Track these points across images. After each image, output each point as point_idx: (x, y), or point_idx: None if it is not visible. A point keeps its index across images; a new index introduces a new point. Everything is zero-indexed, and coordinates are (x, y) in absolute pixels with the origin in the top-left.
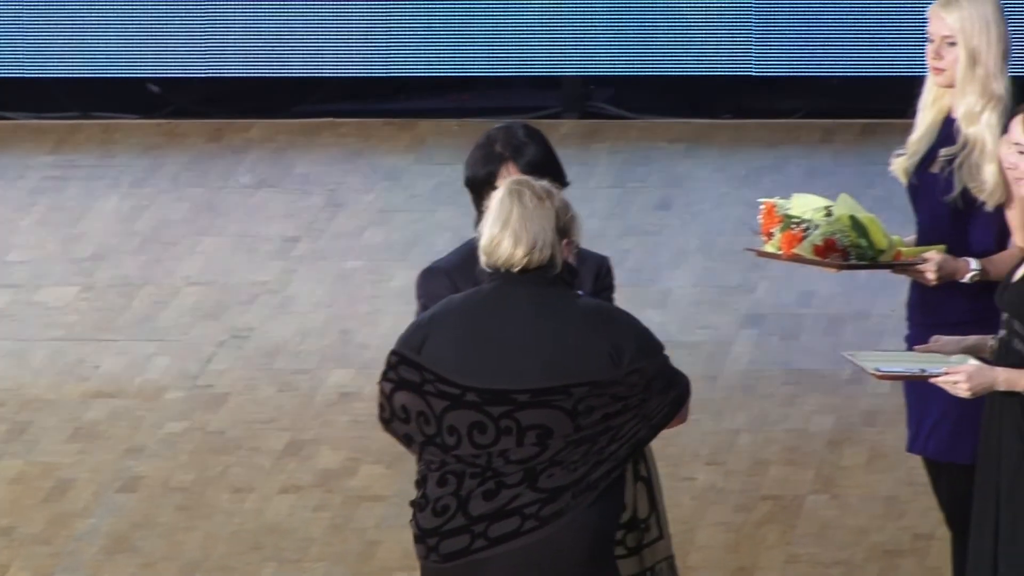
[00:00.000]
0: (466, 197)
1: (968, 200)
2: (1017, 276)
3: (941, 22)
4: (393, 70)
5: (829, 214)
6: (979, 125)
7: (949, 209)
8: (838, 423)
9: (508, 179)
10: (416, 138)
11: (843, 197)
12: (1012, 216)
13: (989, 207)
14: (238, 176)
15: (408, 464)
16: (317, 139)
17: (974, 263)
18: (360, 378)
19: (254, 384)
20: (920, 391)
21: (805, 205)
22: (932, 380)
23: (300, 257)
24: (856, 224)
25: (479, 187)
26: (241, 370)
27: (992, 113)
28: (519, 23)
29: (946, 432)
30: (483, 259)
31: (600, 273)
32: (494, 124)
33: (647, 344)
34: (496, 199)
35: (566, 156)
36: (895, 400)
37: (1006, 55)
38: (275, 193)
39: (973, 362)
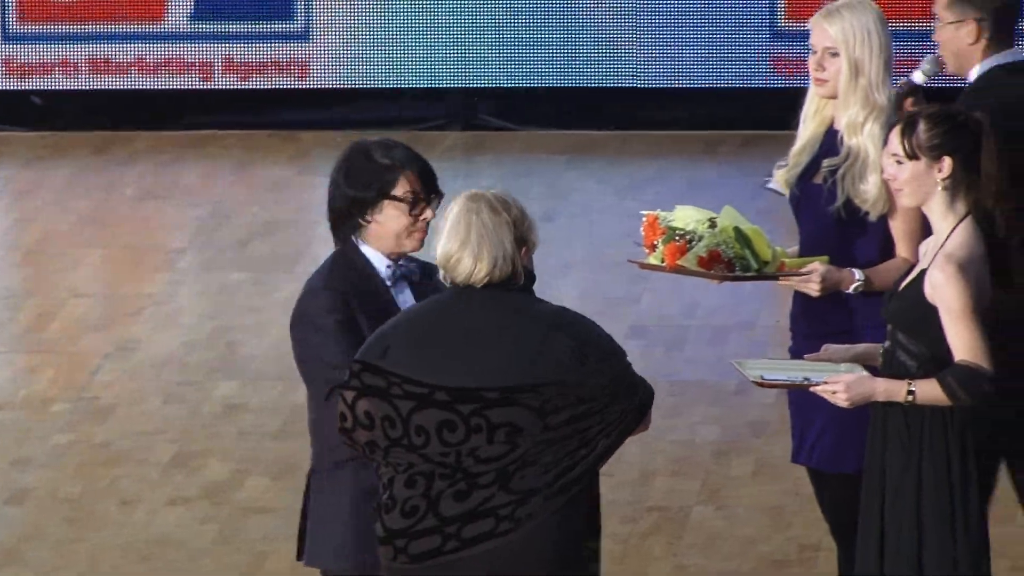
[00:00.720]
0: None
1: (851, 211)
2: (902, 287)
3: (823, 33)
4: (277, 82)
5: (713, 226)
6: (862, 136)
7: (832, 220)
8: (724, 434)
9: (460, 199)
10: (300, 150)
11: (727, 209)
12: (895, 226)
13: (872, 218)
14: (123, 188)
15: (296, 477)
16: (202, 151)
17: (858, 274)
18: (247, 389)
19: (141, 396)
20: (803, 401)
21: (688, 217)
22: (812, 389)
23: (186, 269)
24: (740, 235)
25: (369, 204)
26: (128, 382)
27: (875, 124)
28: (403, 35)
29: (830, 442)
30: (441, 274)
31: None
32: (376, 135)
33: (609, 348)
34: (452, 215)
35: (451, 168)
36: (781, 411)
37: (889, 65)
38: (161, 205)
39: (861, 372)
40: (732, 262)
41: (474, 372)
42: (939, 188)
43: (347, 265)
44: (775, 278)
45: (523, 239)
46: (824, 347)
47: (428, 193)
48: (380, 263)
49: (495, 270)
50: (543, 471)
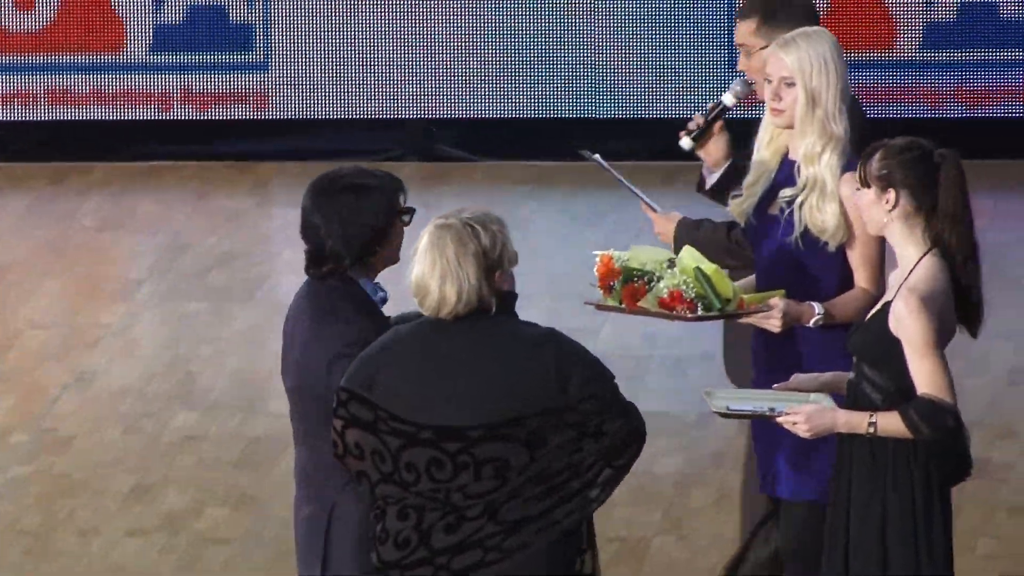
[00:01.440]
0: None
1: (809, 241)
2: (867, 319)
3: (780, 63)
4: (235, 113)
5: (672, 265)
6: (819, 166)
7: (790, 250)
8: (686, 464)
9: (431, 225)
10: (258, 181)
11: (687, 248)
12: (853, 256)
13: (831, 247)
14: (81, 218)
15: (254, 506)
16: (160, 181)
17: (818, 307)
18: (205, 420)
19: (99, 426)
20: (767, 431)
21: (644, 256)
22: (774, 419)
23: (144, 299)
24: (701, 275)
25: (388, 227)
26: (86, 412)
27: (832, 154)
28: (362, 65)
29: (792, 473)
30: (417, 301)
31: None
32: (335, 166)
33: (597, 370)
34: (420, 247)
35: (410, 198)
36: (743, 441)
37: (845, 95)
38: (119, 235)
39: (826, 402)
40: (694, 302)
41: (456, 408)
42: (888, 219)
43: (354, 297)
44: (737, 316)
45: (496, 264)
46: (793, 376)
47: None
48: (372, 291)
49: (459, 305)
50: (534, 502)
